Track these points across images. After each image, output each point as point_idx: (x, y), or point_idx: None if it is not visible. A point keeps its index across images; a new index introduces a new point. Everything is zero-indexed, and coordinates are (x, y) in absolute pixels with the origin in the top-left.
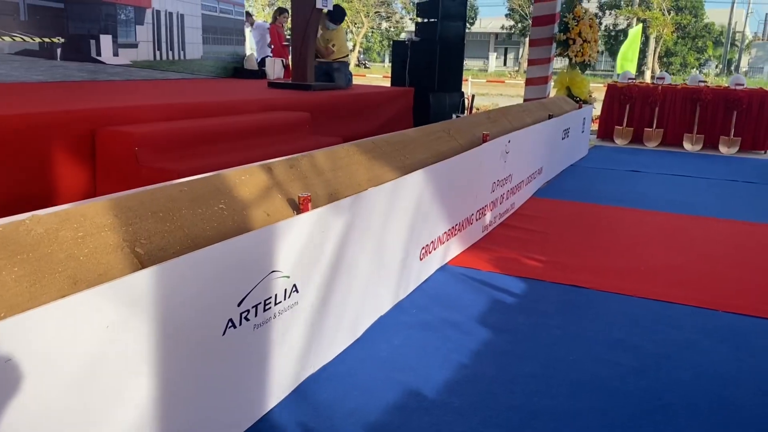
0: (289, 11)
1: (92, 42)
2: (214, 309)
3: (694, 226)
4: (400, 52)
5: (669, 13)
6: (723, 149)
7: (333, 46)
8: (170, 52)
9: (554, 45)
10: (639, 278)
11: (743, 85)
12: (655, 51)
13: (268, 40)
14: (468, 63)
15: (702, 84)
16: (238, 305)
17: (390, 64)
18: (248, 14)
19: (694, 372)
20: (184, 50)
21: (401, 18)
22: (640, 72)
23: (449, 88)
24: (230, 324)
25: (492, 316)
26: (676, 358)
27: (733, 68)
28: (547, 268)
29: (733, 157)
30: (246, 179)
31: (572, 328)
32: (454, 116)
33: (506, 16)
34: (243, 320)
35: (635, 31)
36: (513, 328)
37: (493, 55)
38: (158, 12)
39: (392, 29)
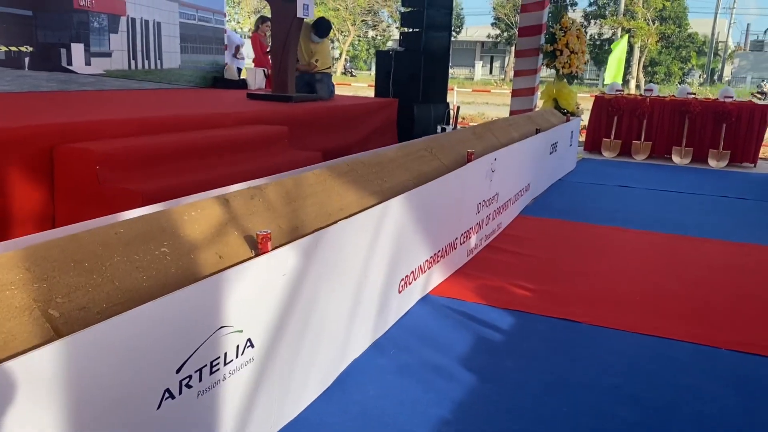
0: None
1: (63, 51)
2: (147, 379)
3: (688, 249)
4: (384, 62)
5: (653, 23)
6: (712, 162)
7: (316, 61)
8: (146, 62)
9: (541, 56)
10: (633, 309)
11: (732, 97)
12: (639, 61)
13: (233, 50)
14: (454, 71)
15: (691, 96)
16: (177, 371)
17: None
18: None
19: (700, 426)
20: (160, 59)
21: (388, 26)
22: (624, 81)
23: (434, 99)
24: (167, 395)
25: (477, 359)
26: (679, 407)
27: (716, 78)
28: (536, 298)
29: (723, 171)
30: (196, 215)
31: (564, 373)
32: (439, 128)
33: (492, 24)
34: (183, 388)
35: (620, 42)
36: (500, 374)
37: (479, 64)
38: (133, 20)
39: (379, 38)
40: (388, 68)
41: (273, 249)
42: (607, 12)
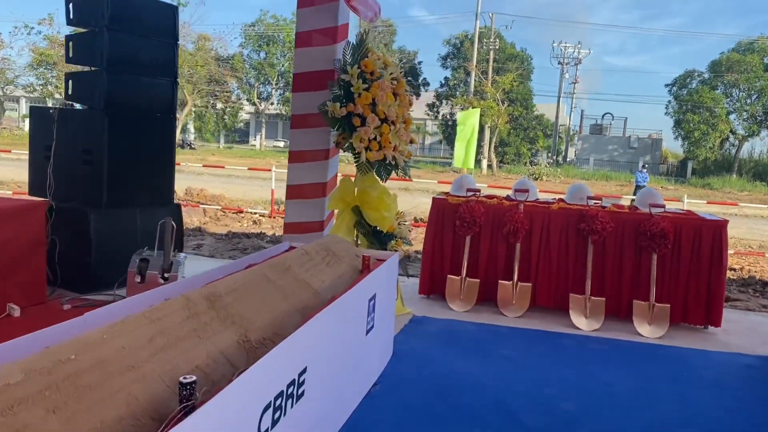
0: None
1: None
2: None
3: None
4: (42, 129)
5: (503, 104)
6: (642, 328)
7: None
8: None
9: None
10: None
11: (663, 207)
12: (491, 141)
13: None
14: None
15: (594, 204)
16: None
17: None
18: None
19: None
20: None
21: (238, 99)
22: (476, 161)
23: (141, 200)
24: None
25: None
26: None
27: (560, 158)
28: None
29: (668, 349)
30: None
31: None
32: (135, 259)
33: None
34: None
35: (471, 116)
36: None
37: None
38: None
39: (228, 109)
40: (49, 141)
41: None
42: (458, 92)
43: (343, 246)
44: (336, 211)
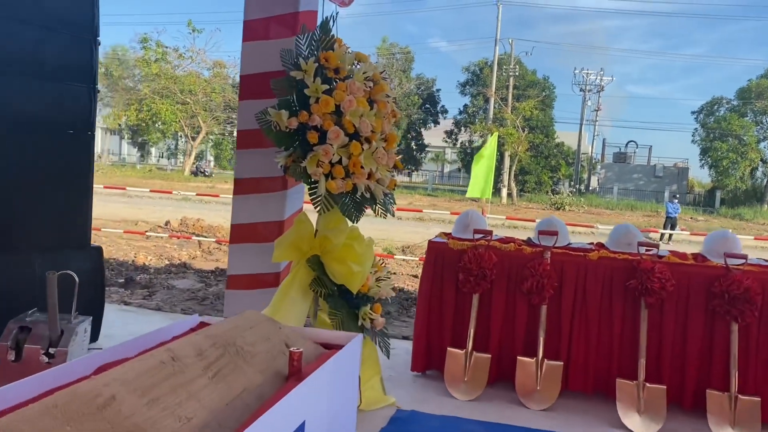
0: None
1: None
2: None
3: None
4: None
5: (523, 131)
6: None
7: None
8: None
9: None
10: None
11: (745, 258)
12: (510, 169)
13: None
14: None
15: (647, 252)
16: None
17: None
18: None
19: None
20: None
21: None
22: (495, 190)
23: (42, 243)
24: None
25: None
26: None
27: (583, 187)
28: None
29: None
30: None
31: None
32: (13, 327)
33: None
34: None
35: (490, 143)
36: None
37: None
38: None
39: None
40: None
41: None
42: (477, 119)
43: (262, 332)
44: (291, 268)
